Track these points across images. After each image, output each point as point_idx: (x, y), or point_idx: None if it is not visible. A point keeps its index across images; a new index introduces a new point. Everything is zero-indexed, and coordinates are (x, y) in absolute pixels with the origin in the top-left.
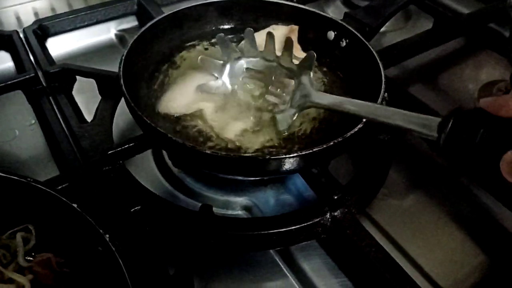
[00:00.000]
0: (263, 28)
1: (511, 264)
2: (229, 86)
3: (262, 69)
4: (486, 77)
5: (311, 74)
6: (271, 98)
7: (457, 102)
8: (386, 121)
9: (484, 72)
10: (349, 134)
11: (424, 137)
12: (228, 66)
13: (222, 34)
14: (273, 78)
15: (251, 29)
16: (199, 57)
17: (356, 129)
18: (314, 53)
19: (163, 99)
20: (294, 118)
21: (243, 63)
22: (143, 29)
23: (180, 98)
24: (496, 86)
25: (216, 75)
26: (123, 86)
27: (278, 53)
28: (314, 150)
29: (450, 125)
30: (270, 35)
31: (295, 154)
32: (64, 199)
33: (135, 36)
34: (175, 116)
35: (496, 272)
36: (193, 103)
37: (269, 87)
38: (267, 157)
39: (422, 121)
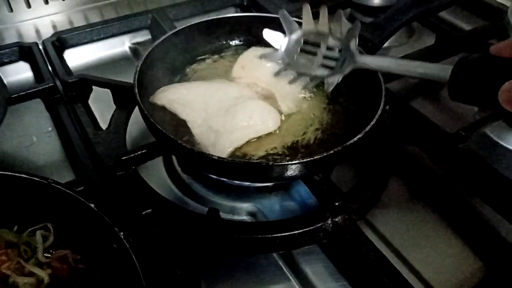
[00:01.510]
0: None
1: (507, 271)
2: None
3: (317, 40)
4: None
5: (356, 40)
6: (328, 62)
7: (457, 116)
8: (411, 71)
9: None
10: (348, 143)
11: (441, 80)
12: (288, 38)
13: (283, 10)
14: (325, 45)
15: (308, 5)
16: (264, 30)
17: (356, 139)
18: (359, 22)
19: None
20: (339, 80)
21: (300, 35)
22: (156, 42)
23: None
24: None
25: (277, 46)
26: (138, 95)
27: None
28: (315, 157)
29: (458, 68)
30: (323, 9)
31: (297, 161)
32: (82, 199)
33: (149, 49)
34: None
35: (492, 279)
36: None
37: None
38: (271, 163)
39: (438, 68)
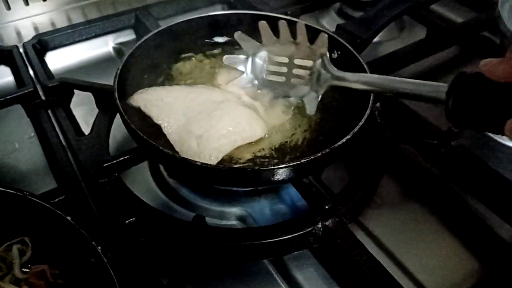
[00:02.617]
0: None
1: (503, 271)
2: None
3: (283, 54)
4: None
5: (327, 54)
6: (295, 81)
7: None
8: (400, 91)
9: None
10: (336, 145)
11: (434, 102)
12: (251, 59)
13: (239, 32)
14: (294, 62)
15: (264, 21)
16: (224, 57)
17: (344, 140)
18: (326, 34)
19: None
20: (318, 99)
21: (264, 53)
22: (138, 42)
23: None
24: None
25: (242, 69)
26: (117, 100)
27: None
28: (302, 161)
29: (456, 90)
30: (282, 24)
31: (284, 165)
32: (59, 212)
33: (130, 50)
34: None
35: (488, 280)
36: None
37: (292, 70)
38: (256, 168)
39: (431, 88)
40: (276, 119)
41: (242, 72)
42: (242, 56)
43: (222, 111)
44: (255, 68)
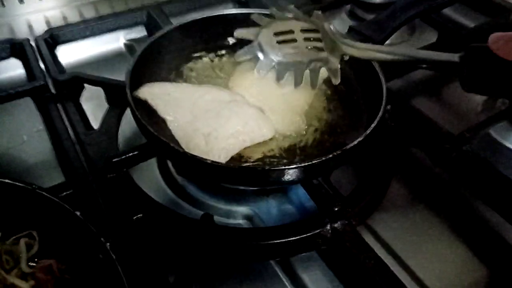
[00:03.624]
0: None
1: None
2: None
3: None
4: None
5: (330, 25)
6: (309, 53)
7: (460, 115)
8: (416, 56)
9: None
10: (348, 147)
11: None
12: (261, 30)
13: (256, 14)
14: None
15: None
16: (236, 31)
17: (356, 142)
18: (319, 11)
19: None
20: (339, 67)
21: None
22: (151, 39)
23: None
24: (500, 99)
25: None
26: (129, 95)
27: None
28: (313, 162)
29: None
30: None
31: (293, 166)
32: (67, 207)
33: (143, 46)
34: None
35: (497, 286)
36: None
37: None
38: (266, 167)
39: (444, 56)
40: (282, 125)
41: (258, 59)
42: (255, 28)
43: (231, 111)
44: (267, 51)
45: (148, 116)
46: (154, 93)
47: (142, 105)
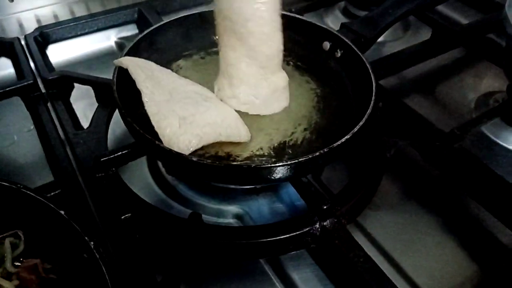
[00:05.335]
0: None
1: (502, 275)
2: None
3: None
4: (484, 88)
5: None
6: None
7: (453, 113)
8: None
9: (482, 83)
10: (335, 144)
11: None
12: None
13: None
14: None
15: None
16: None
17: (343, 140)
18: None
19: None
20: None
21: None
22: (139, 36)
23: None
24: (494, 97)
25: None
26: (116, 93)
27: None
28: (300, 159)
29: None
30: None
31: (281, 163)
32: (52, 206)
33: (131, 44)
34: None
35: (487, 284)
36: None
37: None
38: (253, 165)
39: None
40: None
41: None
42: None
43: (211, 103)
44: None
45: (135, 114)
46: (137, 64)
47: (132, 105)
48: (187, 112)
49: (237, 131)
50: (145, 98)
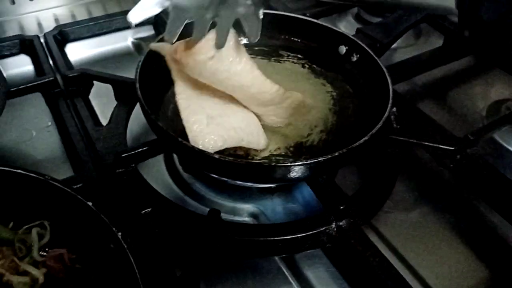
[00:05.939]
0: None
1: None
2: None
3: None
4: (495, 96)
5: None
6: None
7: (465, 119)
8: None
9: (493, 90)
10: (354, 145)
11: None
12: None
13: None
14: None
15: None
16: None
17: (362, 141)
18: None
19: None
20: (260, 18)
21: None
22: (161, 37)
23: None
24: (505, 104)
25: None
26: (139, 90)
27: None
28: (319, 159)
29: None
30: None
31: (300, 162)
32: (80, 197)
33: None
34: None
35: (498, 287)
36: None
37: None
38: (273, 164)
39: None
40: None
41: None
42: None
43: (238, 107)
44: None
45: (157, 111)
46: (178, 50)
47: (150, 101)
48: (215, 112)
49: (257, 139)
50: (177, 90)
